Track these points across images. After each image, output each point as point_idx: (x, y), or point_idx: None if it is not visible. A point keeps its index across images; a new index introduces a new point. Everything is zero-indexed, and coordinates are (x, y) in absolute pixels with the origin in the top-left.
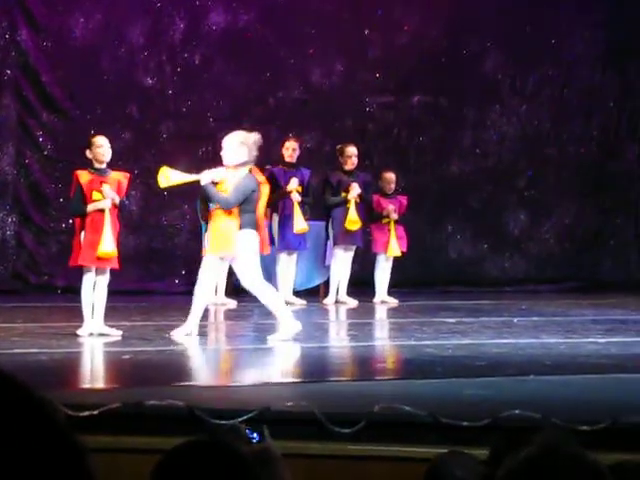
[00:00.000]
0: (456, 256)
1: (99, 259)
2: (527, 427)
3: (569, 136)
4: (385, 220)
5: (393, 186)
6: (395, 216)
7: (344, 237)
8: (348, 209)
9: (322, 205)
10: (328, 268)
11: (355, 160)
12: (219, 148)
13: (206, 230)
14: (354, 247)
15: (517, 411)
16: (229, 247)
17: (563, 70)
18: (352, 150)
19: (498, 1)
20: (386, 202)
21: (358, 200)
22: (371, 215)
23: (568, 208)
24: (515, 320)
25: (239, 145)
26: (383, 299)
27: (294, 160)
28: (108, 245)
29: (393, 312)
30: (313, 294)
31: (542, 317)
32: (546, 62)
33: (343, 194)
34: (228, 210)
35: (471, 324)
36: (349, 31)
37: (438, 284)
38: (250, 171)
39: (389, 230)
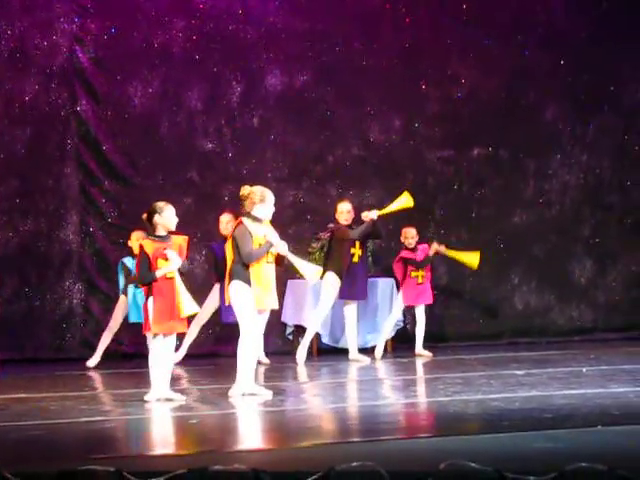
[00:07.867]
0: (522, 307)
1: (181, 319)
2: None
3: (632, 183)
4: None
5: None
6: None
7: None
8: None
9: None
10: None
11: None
12: (280, 208)
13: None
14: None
15: (583, 464)
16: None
17: (623, 116)
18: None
19: (554, 49)
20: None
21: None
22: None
23: (634, 255)
24: (584, 370)
25: None
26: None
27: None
28: (190, 306)
29: (461, 366)
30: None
31: (611, 366)
32: (605, 109)
33: None
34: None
35: (539, 375)
36: (406, 87)
37: (505, 336)
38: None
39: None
